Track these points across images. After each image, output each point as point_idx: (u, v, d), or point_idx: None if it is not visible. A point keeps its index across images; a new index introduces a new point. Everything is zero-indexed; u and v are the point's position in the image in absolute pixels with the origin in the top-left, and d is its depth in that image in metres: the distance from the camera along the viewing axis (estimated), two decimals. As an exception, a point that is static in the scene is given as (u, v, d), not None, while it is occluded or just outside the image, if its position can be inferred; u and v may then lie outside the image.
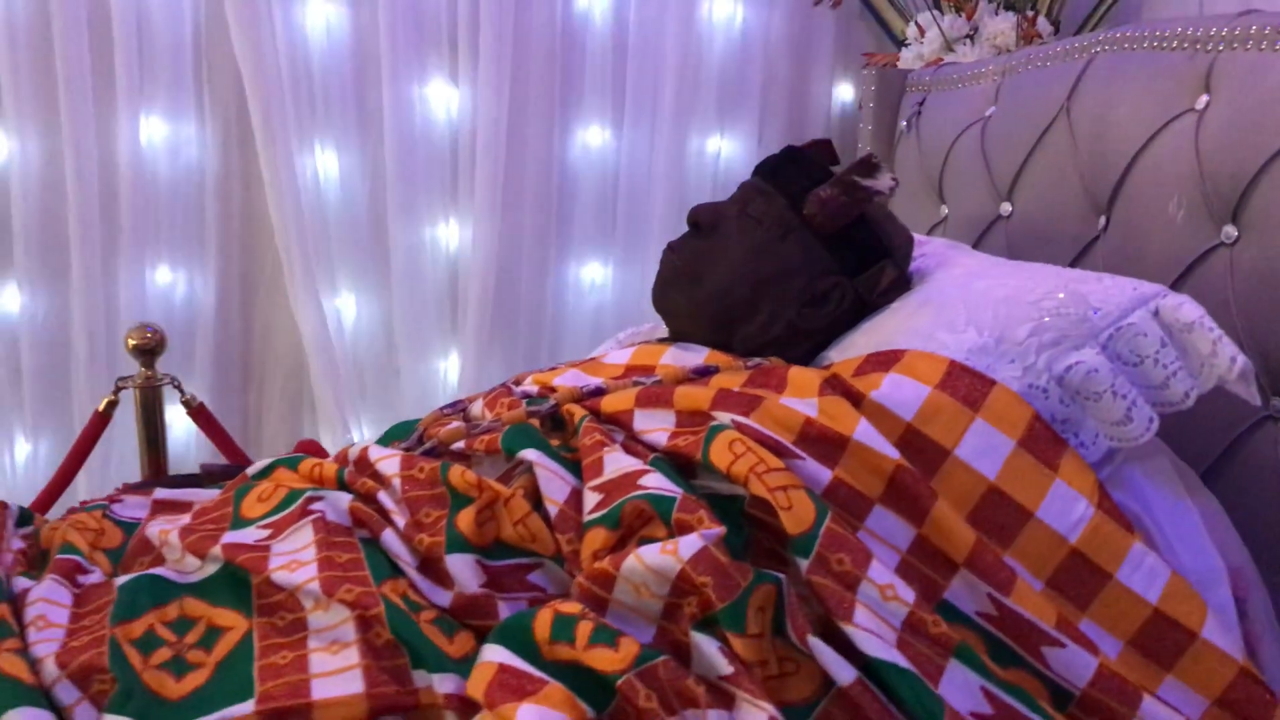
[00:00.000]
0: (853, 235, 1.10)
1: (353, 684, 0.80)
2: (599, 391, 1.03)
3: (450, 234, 2.45)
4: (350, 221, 2.36)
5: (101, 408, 2.04)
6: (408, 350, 2.41)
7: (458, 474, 0.94)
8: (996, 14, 2.55)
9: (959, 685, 0.80)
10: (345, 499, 0.95)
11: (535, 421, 1.01)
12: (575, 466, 0.95)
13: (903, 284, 1.14)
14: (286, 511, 0.95)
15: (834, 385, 0.95)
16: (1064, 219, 1.40)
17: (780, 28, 2.61)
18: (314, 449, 1.25)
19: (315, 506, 0.94)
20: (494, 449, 0.98)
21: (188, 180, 2.28)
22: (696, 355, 1.08)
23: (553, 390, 1.07)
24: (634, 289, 2.54)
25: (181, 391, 2.05)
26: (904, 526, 0.88)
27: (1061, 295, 0.96)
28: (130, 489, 1.14)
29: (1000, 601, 0.85)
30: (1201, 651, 0.89)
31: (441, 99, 2.32)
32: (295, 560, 0.89)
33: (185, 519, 1.00)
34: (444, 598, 0.89)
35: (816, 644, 0.79)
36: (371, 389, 2.48)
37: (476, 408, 1.10)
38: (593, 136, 2.43)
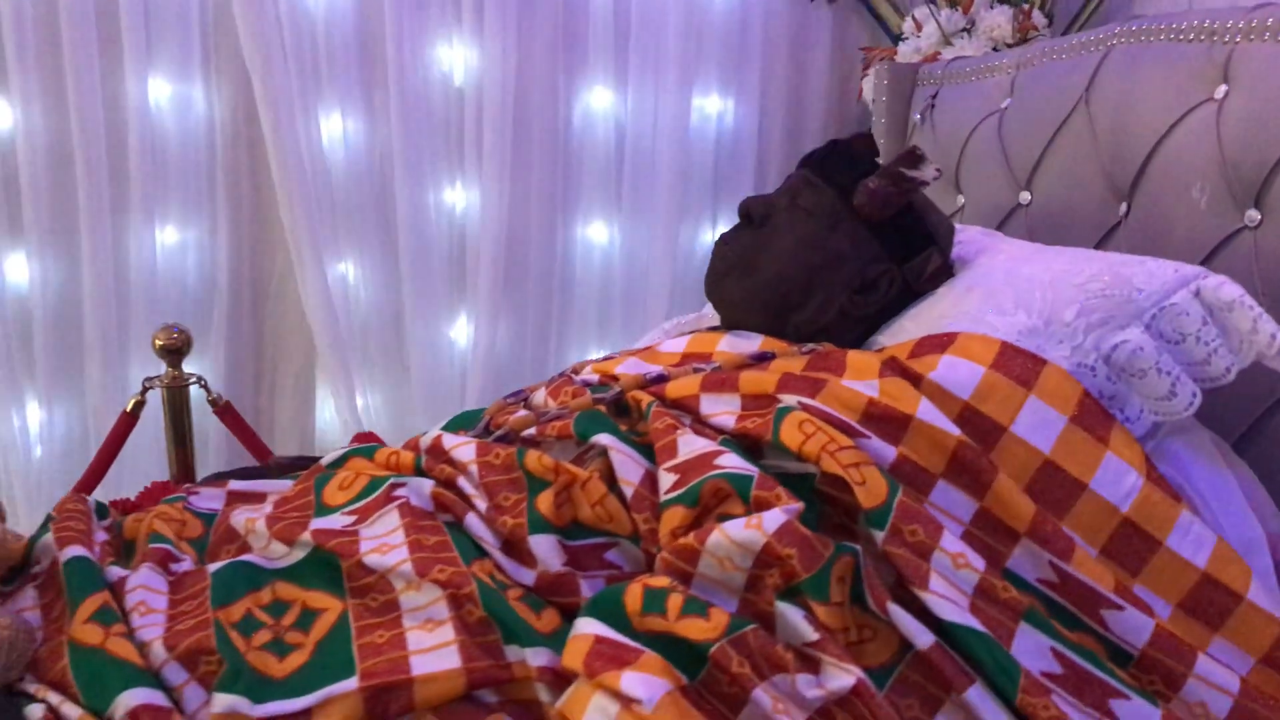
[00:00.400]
0: (899, 224, 1.15)
1: (450, 659, 0.84)
2: (661, 378, 1.07)
3: (457, 197, 2.48)
4: (356, 187, 2.39)
5: (129, 408, 2.06)
6: (415, 316, 2.43)
7: (534, 459, 0.98)
8: (992, 7, 2.60)
9: (1030, 647, 0.85)
10: (428, 485, 0.98)
11: (602, 408, 1.05)
12: (645, 450, 0.99)
13: (946, 271, 1.19)
14: (371, 498, 0.99)
15: (893, 367, 0.99)
16: (1085, 206, 1.45)
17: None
18: (372, 440, 1.29)
19: (399, 492, 0.98)
20: (566, 434, 1.02)
21: (196, 143, 2.29)
22: (751, 342, 1.13)
23: (614, 379, 1.11)
24: (640, 248, 2.59)
25: (208, 391, 2.08)
26: (967, 500, 0.93)
27: (1106, 278, 1.01)
28: (206, 481, 1.17)
29: (1061, 568, 0.90)
30: (1247, 613, 0.94)
31: (447, 61, 2.35)
32: (385, 544, 0.93)
33: (267, 508, 1.03)
34: (528, 577, 0.93)
35: (896, 610, 0.84)
36: (377, 355, 2.51)
37: (539, 397, 1.14)
38: (597, 98, 2.46)
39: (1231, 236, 1.21)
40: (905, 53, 2.70)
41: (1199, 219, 1.25)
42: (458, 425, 1.16)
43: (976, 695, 0.82)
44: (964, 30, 2.67)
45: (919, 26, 2.72)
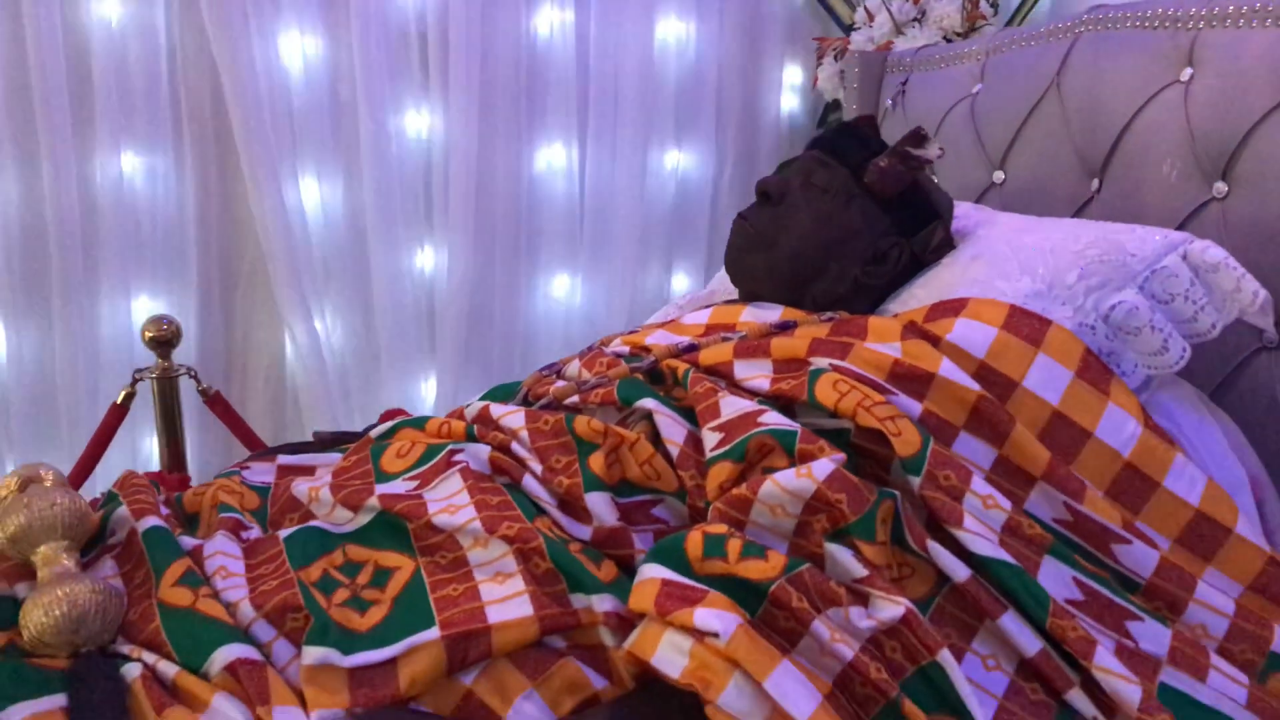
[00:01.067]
0: (906, 200, 1.24)
1: (523, 608, 0.90)
2: (692, 347, 1.15)
3: (426, 259, 2.57)
4: (333, 248, 2.46)
5: (120, 399, 2.08)
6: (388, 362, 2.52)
7: (583, 423, 1.05)
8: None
9: (1054, 577, 0.94)
10: (484, 450, 1.04)
11: (639, 376, 1.12)
12: (684, 413, 1.06)
13: (948, 243, 1.28)
14: (431, 464, 1.05)
15: (913, 330, 1.07)
16: (1058, 183, 1.55)
17: (731, 41, 2.77)
18: (398, 415, 1.34)
19: (458, 458, 1.04)
20: (609, 401, 1.09)
21: (166, 213, 2.36)
22: (773, 312, 1.20)
23: (645, 349, 1.18)
24: (601, 299, 2.69)
25: (198, 382, 2.10)
26: (987, 449, 1.01)
27: (1102, 245, 1.11)
28: (255, 457, 1.21)
29: (1075, 508, 0.99)
30: (1236, 545, 1.04)
31: (414, 127, 2.44)
32: (452, 504, 0.99)
33: (326, 477, 1.09)
34: (584, 531, 0.99)
35: (935, 547, 0.92)
36: (357, 404, 2.58)
37: (572, 368, 1.20)
38: (556, 155, 2.55)
39: (1201, 208, 1.32)
40: (859, 42, 2.81)
41: (1169, 192, 1.36)
42: (495, 397, 1.22)
43: (1010, 621, 0.90)
44: (915, 20, 2.78)
45: (871, 17, 2.82)
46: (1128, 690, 0.86)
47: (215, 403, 2.14)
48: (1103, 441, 1.04)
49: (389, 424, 1.15)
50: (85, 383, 2.32)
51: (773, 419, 0.98)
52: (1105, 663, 0.87)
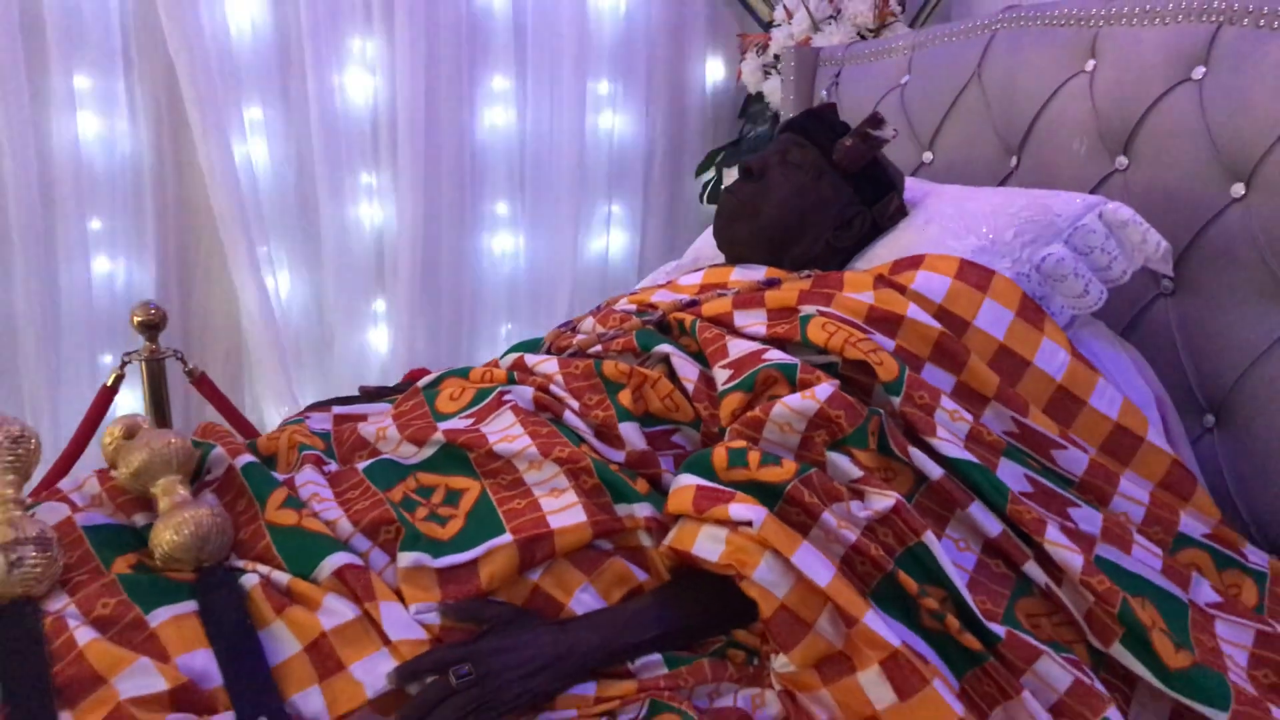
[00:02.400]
0: (868, 174, 1.45)
1: (578, 515, 1.08)
2: (693, 303, 1.33)
3: (374, 212, 2.72)
4: (281, 202, 2.60)
5: (110, 381, 2.19)
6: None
7: (611, 366, 1.23)
8: None
9: (1010, 474, 1.15)
10: (529, 391, 1.22)
11: (650, 327, 1.31)
12: (693, 356, 1.25)
13: (901, 210, 1.49)
14: (483, 404, 1.22)
15: (882, 281, 1.28)
16: (981, 161, 1.78)
17: (660, 13, 2.99)
18: (422, 374, 1.50)
19: (508, 397, 1.21)
20: (629, 348, 1.27)
21: (122, 171, 2.46)
22: (758, 272, 1.40)
23: (651, 306, 1.36)
24: (542, 255, 2.86)
25: (185, 363, 2.22)
26: (947, 376, 1.22)
27: (1033, 208, 1.33)
28: (313, 408, 1.36)
29: (1020, 421, 1.21)
30: (1147, 451, 1.26)
31: (360, 85, 2.60)
32: (508, 435, 1.16)
33: (387, 420, 1.25)
34: (619, 455, 1.17)
35: (915, 452, 1.12)
36: (308, 358, 2.72)
37: (587, 324, 1.38)
38: (498, 116, 2.71)
39: (1106, 178, 1.55)
40: (779, 38, 3.04)
41: (1079, 166, 1.59)
42: (520, 350, 1.39)
43: (976, 510, 1.11)
44: (831, 17, 3.02)
45: (789, 15, 3.05)
46: (1072, 559, 1.07)
47: (202, 383, 2.25)
48: (1039, 369, 1.26)
49: (434, 375, 1.32)
50: (46, 341, 2.40)
51: (775, 355, 1.17)
52: (1054, 538, 1.09)
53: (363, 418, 1.31)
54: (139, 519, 1.10)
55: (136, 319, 2.16)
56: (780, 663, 1.03)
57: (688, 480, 1.09)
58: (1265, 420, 1.36)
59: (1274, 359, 1.34)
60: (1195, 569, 1.18)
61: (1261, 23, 1.36)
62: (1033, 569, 1.10)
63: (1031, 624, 1.08)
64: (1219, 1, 1.42)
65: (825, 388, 1.11)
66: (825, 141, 1.44)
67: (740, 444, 1.10)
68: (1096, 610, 1.07)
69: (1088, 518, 1.15)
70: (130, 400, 2.42)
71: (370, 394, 1.43)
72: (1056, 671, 1.02)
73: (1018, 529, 1.11)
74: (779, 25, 3.05)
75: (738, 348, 1.21)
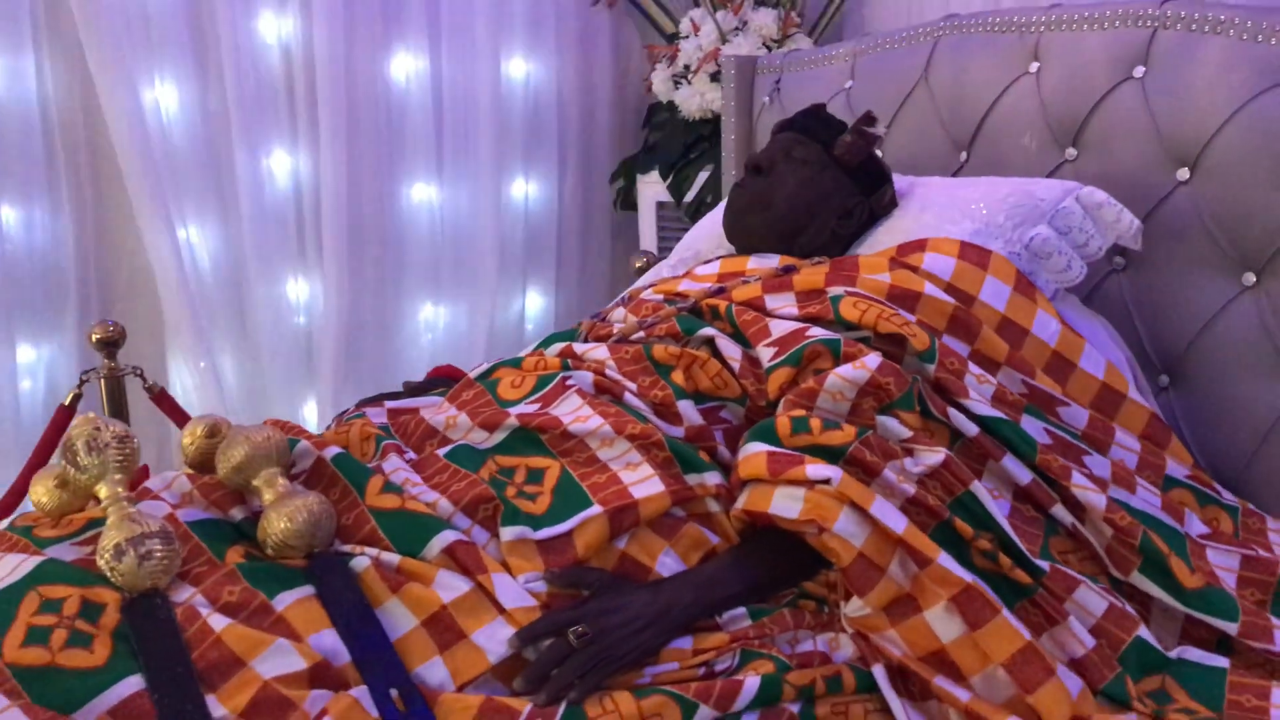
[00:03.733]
0: (864, 167, 1.57)
1: (656, 486, 1.16)
2: (720, 290, 1.43)
3: (290, 163, 2.81)
4: (192, 153, 2.66)
5: (67, 401, 2.16)
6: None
7: (660, 350, 1.32)
8: (756, 9, 3.12)
9: (1032, 428, 1.28)
10: (589, 375, 1.29)
11: (684, 313, 1.40)
12: (730, 337, 1.35)
13: (893, 201, 1.62)
14: (548, 389, 1.29)
15: (896, 263, 1.40)
16: (931, 157, 1.93)
17: (571, 78, 3.15)
18: (450, 372, 1.55)
19: (570, 382, 1.28)
20: (672, 333, 1.36)
21: (30, 117, 2.46)
22: (772, 260, 1.51)
23: (680, 295, 1.46)
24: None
25: (144, 380, 2.21)
26: (963, 345, 1.35)
27: (1019, 194, 1.48)
28: (364, 403, 1.40)
29: (1029, 383, 1.35)
30: (1129, 406, 1.42)
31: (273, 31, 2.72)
32: (579, 416, 1.23)
33: (452, 409, 1.30)
34: (678, 431, 1.26)
35: (953, 412, 1.24)
36: (223, 313, 2.75)
37: (618, 314, 1.46)
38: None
39: (1057, 168, 1.72)
40: (688, 50, 3.18)
41: (1030, 158, 1.75)
42: (554, 341, 1.46)
43: (1009, 461, 1.24)
44: (737, 29, 3.17)
45: (696, 27, 3.19)
46: (1096, 499, 1.21)
47: (161, 399, 2.24)
48: (1036, 336, 1.40)
49: (485, 366, 1.38)
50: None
51: (817, 332, 1.28)
52: (1079, 482, 1.23)
53: (414, 411, 1.36)
54: (236, 513, 1.13)
55: (95, 337, 2.14)
56: (854, 607, 1.14)
57: (757, 448, 1.18)
58: (1215, 378, 1.54)
59: (1222, 324, 1.53)
60: (1185, 506, 1.34)
61: (1193, 26, 1.55)
62: (1060, 511, 1.23)
63: (1062, 560, 1.22)
64: (1152, 9, 1.60)
65: (874, 358, 1.22)
66: (826, 138, 1.56)
67: (800, 413, 1.20)
68: (1114, 544, 1.21)
69: (1099, 464, 1.30)
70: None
71: (413, 389, 1.47)
72: (1094, 598, 1.16)
73: (1045, 476, 1.24)
74: (686, 37, 3.18)
75: (779, 327, 1.31)
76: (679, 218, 3.19)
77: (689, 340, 1.36)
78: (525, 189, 3.30)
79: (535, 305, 3.44)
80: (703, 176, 3.09)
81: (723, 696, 1.04)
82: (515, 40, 3.14)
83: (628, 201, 3.43)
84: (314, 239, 2.88)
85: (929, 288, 1.36)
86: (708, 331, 1.33)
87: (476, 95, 3.05)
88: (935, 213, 1.51)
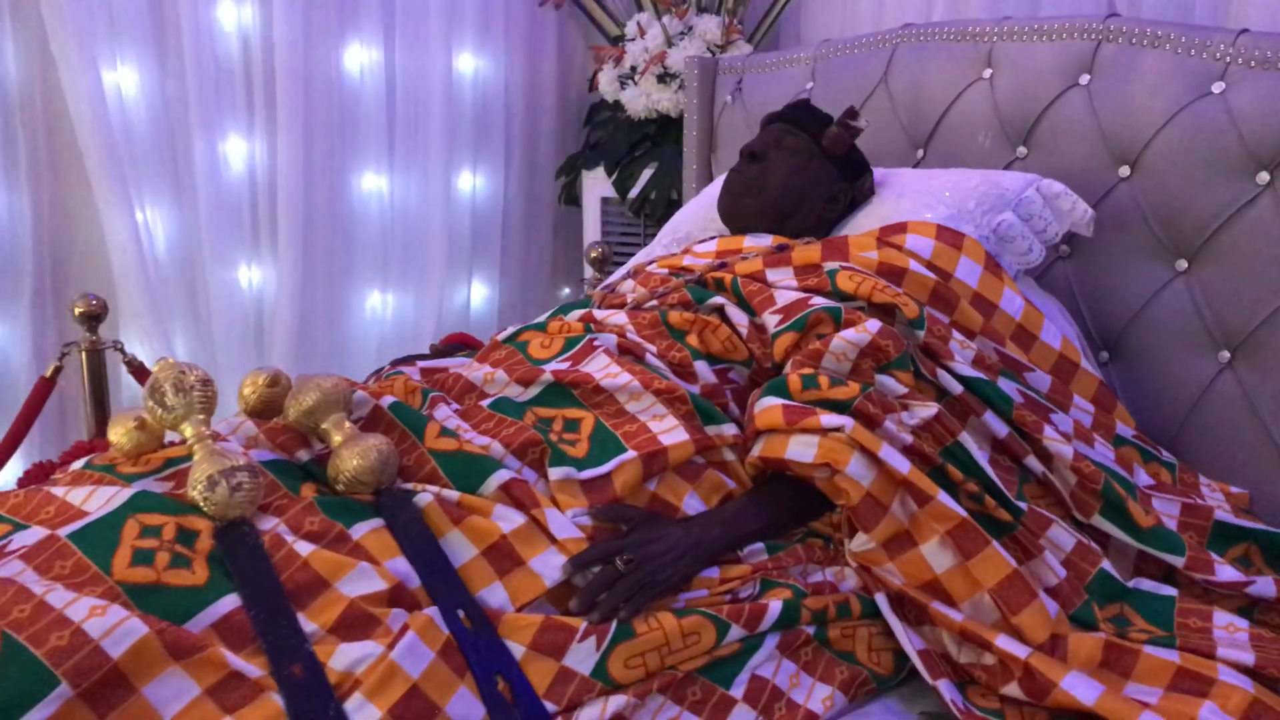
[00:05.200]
0: (849, 156, 1.72)
1: (681, 435, 1.29)
2: (722, 264, 1.56)
3: (247, 149, 2.89)
4: (153, 137, 2.71)
5: (49, 373, 2.20)
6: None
7: (676, 316, 1.44)
8: (699, 15, 3.28)
9: (1007, 387, 1.44)
10: (613, 338, 1.41)
11: (692, 285, 1.52)
12: (739, 306, 1.48)
13: (871, 189, 1.78)
14: (576, 349, 1.40)
15: (882, 242, 1.55)
16: (888, 155, 2.09)
17: (517, 75, 3.26)
18: (464, 339, 1.65)
19: (598, 343, 1.40)
20: (683, 302, 1.48)
21: None
22: (765, 240, 1.65)
23: (685, 269, 1.58)
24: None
25: (124, 354, 2.25)
26: (943, 315, 1.50)
27: (987, 184, 1.64)
28: (398, 362, 1.50)
29: (1001, 350, 1.51)
30: (1081, 374, 1.60)
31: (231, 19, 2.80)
32: (609, 372, 1.35)
33: (487, 366, 1.40)
34: (695, 389, 1.39)
35: (940, 373, 1.39)
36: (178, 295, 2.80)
37: (627, 285, 1.58)
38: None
39: (1008, 165, 1.90)
40: (635, 52, 3.31)
41: (984, 155, 1.93)
42: (565, 311, 1.57)
43: (989, 417, 1.39)
44: (682, 34, 3.32)
45: (643, 31, 3.33)
46: (1064, 450, 1.38)
47: (140, 372, 2.28)
48: (1004, 310, 1.56)
49: (514, 329, 1.49)
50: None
51: (819, 301, 1.42)
52: (1049, 435, 1.39)
53: (444, 370, 1.46)
54: (302, 455, 1.22)
55: (78, 310, 2.17)
56: (858, 542, 1.28)
57: (772, 401, 1.31)
58: (1151, 354, 1.73)
59: (1157, 305, 1.72)
60: (1133, 461, 1.52)
61: (1134, 40, 1.74)
62: (1031, 461, 1.39)
63: (1034, 503, 1.38)
64: (1097, 23, 1.79)
65: (874, 323, 1.37)
66: (814, 129, 1.71)
67: (809, 370, 1.34)
68: (1078, 490, 1.38)
69: (1063, 421, 1.46)
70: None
71: (439, 351, 1.57)
72: (1064, 535, 1.32)
73: (1019, 430, 1.40)
74: (633, 40, 3.31)
75: (784, 296, 1.45)
76: (623, 213, 3.32)
77: (700, 308, 1.48)
78: (473, 181, 3.39)
79: (479, 295, 3.53)
80: (647, 173, 3.22)
81: (751, 617, 1.17)
82: (466, 35, 3.24)
83: (571, 197, 3.54)
84: (268, 225, 2.94)
85: (913, 264, 1.51)
86: (717, 300, 1.47)
87: (428, 88, 3.15)
88: (911, 200, 1.67)
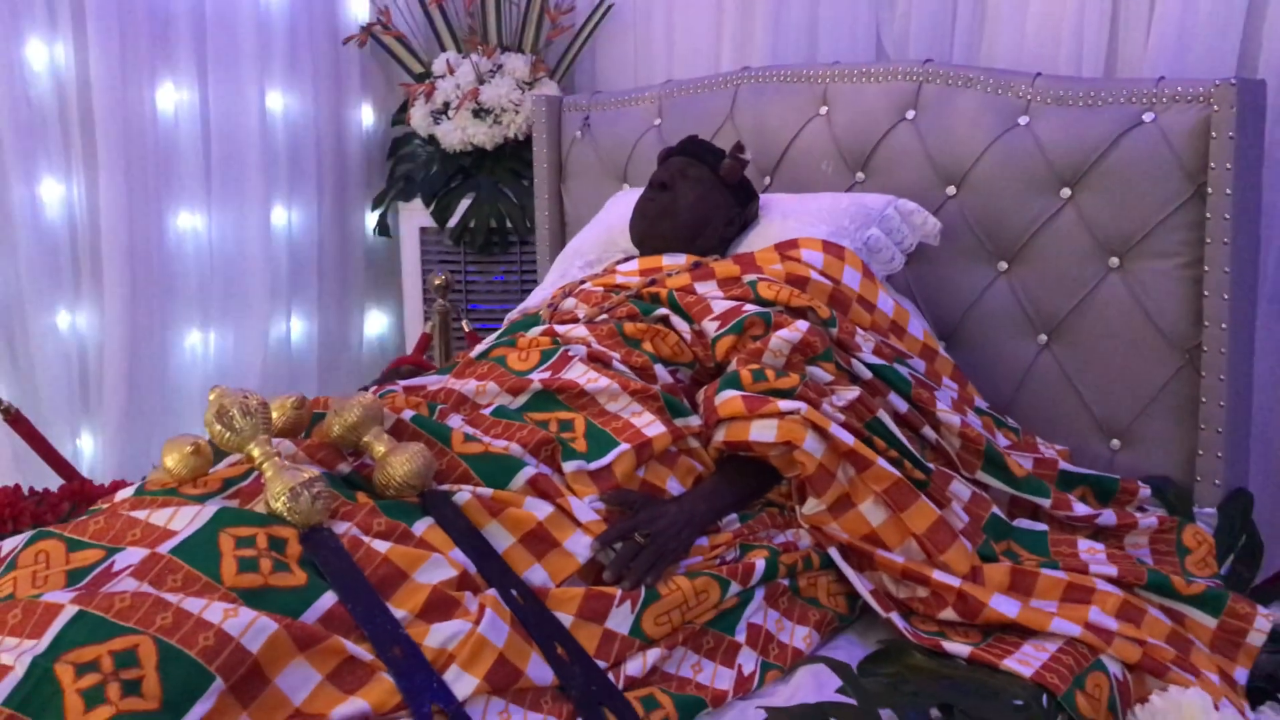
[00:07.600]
0: (741, 184, 1.98)
1: (659, 428, 1.50)
2: (653, 281, 1.78)
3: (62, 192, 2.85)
4: None
5: (-78, 428, 2.12)
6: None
7: (630, 326, 1.65)
8: (504, 54, 3.47)
9: (903, 371, 1.72)
10: (582, 348, 1.59)
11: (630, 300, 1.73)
12: (680, 315, 1.70)
13: (757, 212, 2.04)
14: (554, 359, 1.57)
15: (783, 256, 1.82)
16: (739, 182, 2.37)
17: (325, 112, 3.40)
18: (413, 360, 1.78)
19: (571, 353, 1.58)
20: (631, 314, 1.69)
21: None
22: (681, 258, 1.87)
23: (619, 286, 1.78)
24: (229, 353, 3.22)
25: (0, 402, 2.21)
26: (840, 316, 1.78)
27: (855, 205, 1.94)
28: (380, 380, 1.61)
29: (884, 341, 1.80)
30: (940, 358, 1.91)
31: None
32: (589, 378, 1.54)
33: (470, 382, 1.55)
34: (655, 388, 1.60)
35: (854, 362, 1.67)
36: None
37: (569, 303, 1.77)
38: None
39: (850, 188, 2.21)
40: (446, 89, 3.47)
41: (828, 181, 2.24)
42: (520, 329, 1.73)
43: (893, 397, 1.67)
44: (492, 71, 3.51)
45: (452, 69, 3.50)
46: (953, 418, 1.68)
47: (17, 422, 2.23)
48: (881, 309, 1.86)
49: (487, 344, 1.65)
50: None
51: (751, 308, 1.66)
52: (941, 407, 1.69)
53: (423, 388, 1.60)
54: (343, 468, 1.34)
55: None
56: (809, 506, 1.53)
57: (731, 393, 1.54)
58: (982, 342, 2.09)
59: (984, 300, 2.08)
60: (991, 426, 1.85)
61: (950, 82, 2.10)
62: (927, 430, 1.69)
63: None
64: (916, 67, 2.14)
65: (803, 324, 1.63)
66: (712, 161, 1.96)
67: (755, 366, 1.58)
68: (963, 451, 1.69)
69: (944, 396, 1.77)
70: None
71: (403, 374, 1.71)
72: (961, 488, 1.63)
73: (917, 406, 1.69)
74: (442, 76, 3.47)
75: (719, 306, 1.68)
76: (441, 241, 3.45)
77: (647, 319, 1.69)
78: (288, 216, 3.42)
79: (299, 329, 3.55)
80: (464, 204, 3.37)
81: (744, 574, 1.39)
82: (275, 74, 3.28)
83: (385, 228, 3.64)
84: (90, 268, 2.88)
85: (813, 274, 1.78)
86: (662, 311, 1.68)
87: (242, 126, 3.17)
88: (795, 220, 1.95)
